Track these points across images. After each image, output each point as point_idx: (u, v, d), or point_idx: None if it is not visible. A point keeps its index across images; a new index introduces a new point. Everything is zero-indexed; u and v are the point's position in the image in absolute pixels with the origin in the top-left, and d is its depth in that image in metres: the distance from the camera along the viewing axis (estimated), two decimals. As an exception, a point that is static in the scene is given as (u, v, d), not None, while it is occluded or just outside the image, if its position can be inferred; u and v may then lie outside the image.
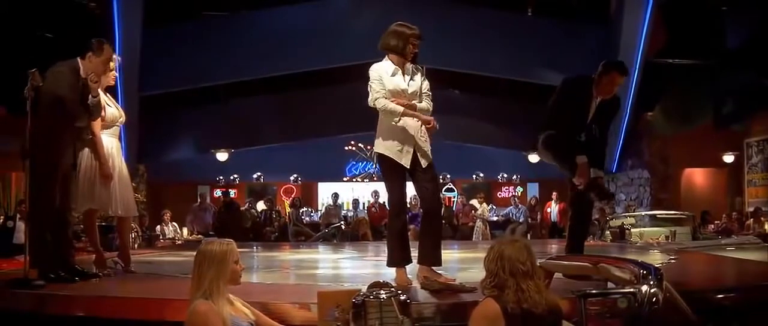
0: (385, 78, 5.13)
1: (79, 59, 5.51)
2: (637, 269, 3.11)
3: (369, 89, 5.16)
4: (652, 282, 2.94)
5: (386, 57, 5.23)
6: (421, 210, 5.30)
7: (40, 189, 5.37)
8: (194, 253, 3.51)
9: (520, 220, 17.74)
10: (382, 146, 5.15)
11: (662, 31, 15.08)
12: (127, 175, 6.37)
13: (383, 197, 18.13)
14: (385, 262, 5.35)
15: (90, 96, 5.54)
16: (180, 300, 4.08)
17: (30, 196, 5.45)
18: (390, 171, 5.17)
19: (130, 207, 6.42)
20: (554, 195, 18.08)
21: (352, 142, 18.99)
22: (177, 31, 16.36)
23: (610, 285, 3.63)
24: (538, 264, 3.35)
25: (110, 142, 6.14)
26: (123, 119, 6.39)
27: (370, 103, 5.13)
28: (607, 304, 3.15)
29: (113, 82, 6.19)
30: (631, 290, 2.94)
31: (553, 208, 17.76)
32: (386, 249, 5.35)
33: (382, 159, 5.18)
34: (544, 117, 5.96)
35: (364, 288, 3.55)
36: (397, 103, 5.06)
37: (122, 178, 6.22)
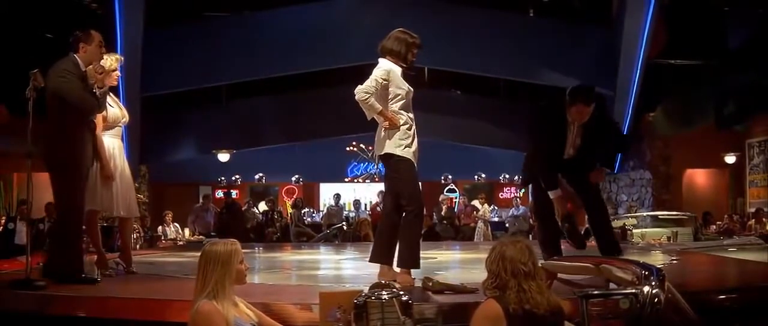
0: (398, 80, 5.19)
1: (74, 54, 5.54)
2: (639, 270, 3.10)
3: (370, 80, 5.16)
4: (653, 283, 2.93)
5: (385, 60, 5.25)
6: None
7: (68, 190, 5.42)
8: (196, 254, 3.52)
9: (519, 213, 17.68)
10: (400, 149, 5.16)
11: (664, 31, 15.07)
12: (130, 176, 6.37)
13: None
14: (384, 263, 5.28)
15: (96, 87, 5.59)
16: (182, 301, 4.09)
17: (56, 198, 5.49)
18: (409, 173, 5.18)
19: (132, 209, 6.41)
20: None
21: (354, 143, 18.99)
22: (179, 31, 16.37)
23: (611, 285, 3.63)
24: (539, 264, 3.35)
25: (112, 143, 6.13)
26: (126, 119, 6.38)
27: (359, 91, 5.12)
28: (608, 305, 3.14)
29: (116, 83, 6.19)
30: (633, 291, 2.94)
31: (554, 210, 17.67)
32: (397, 250, 5.24)
33: (401, 161, 5.16)
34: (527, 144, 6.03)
35: (366, 289, 3.55)
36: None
37: (124, 179, 6.21)
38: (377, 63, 5.30)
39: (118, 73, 6.16)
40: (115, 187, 6.06)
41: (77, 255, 5.51)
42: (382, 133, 5.23)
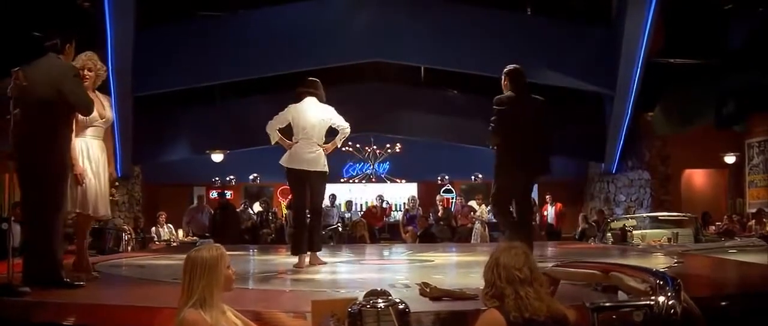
0: None
1: (56, 55, 5.41)
2: (653, 278, 2.93)
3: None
4: (669, 294, 2.76)
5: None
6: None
7: (53, 194, 5.27)
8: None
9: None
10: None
11: (663, 30, 14.99)
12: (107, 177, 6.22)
13: (390, 199, 18.21)
14: (313, 257, 7.41)
15: None
16: (173, 308, 3.93)
17: (36, 201, 5.30)
18: None
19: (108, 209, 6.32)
20: (548, 197, 17.97)
21: (350, 143, 18.81)
22: (171, 30, 16.19)
23: (620, 293, 3.48)
24: (539, 270, 3.21)
25: (96, 143, 5.99)
26: (108, 119, 6.23)
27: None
28: (618, 316, 2.98)
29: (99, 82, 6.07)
30: (648, 302, 2.77)
31: (549, 211, 17.67)
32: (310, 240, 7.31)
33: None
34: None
35: (361, 296, 3.39)
36: None
37: (102, 179, 6.06)
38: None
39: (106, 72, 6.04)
40: (97, 187, 5.92)
41: (57, 260, 5.34)
42: (318, 152, 7.72)
